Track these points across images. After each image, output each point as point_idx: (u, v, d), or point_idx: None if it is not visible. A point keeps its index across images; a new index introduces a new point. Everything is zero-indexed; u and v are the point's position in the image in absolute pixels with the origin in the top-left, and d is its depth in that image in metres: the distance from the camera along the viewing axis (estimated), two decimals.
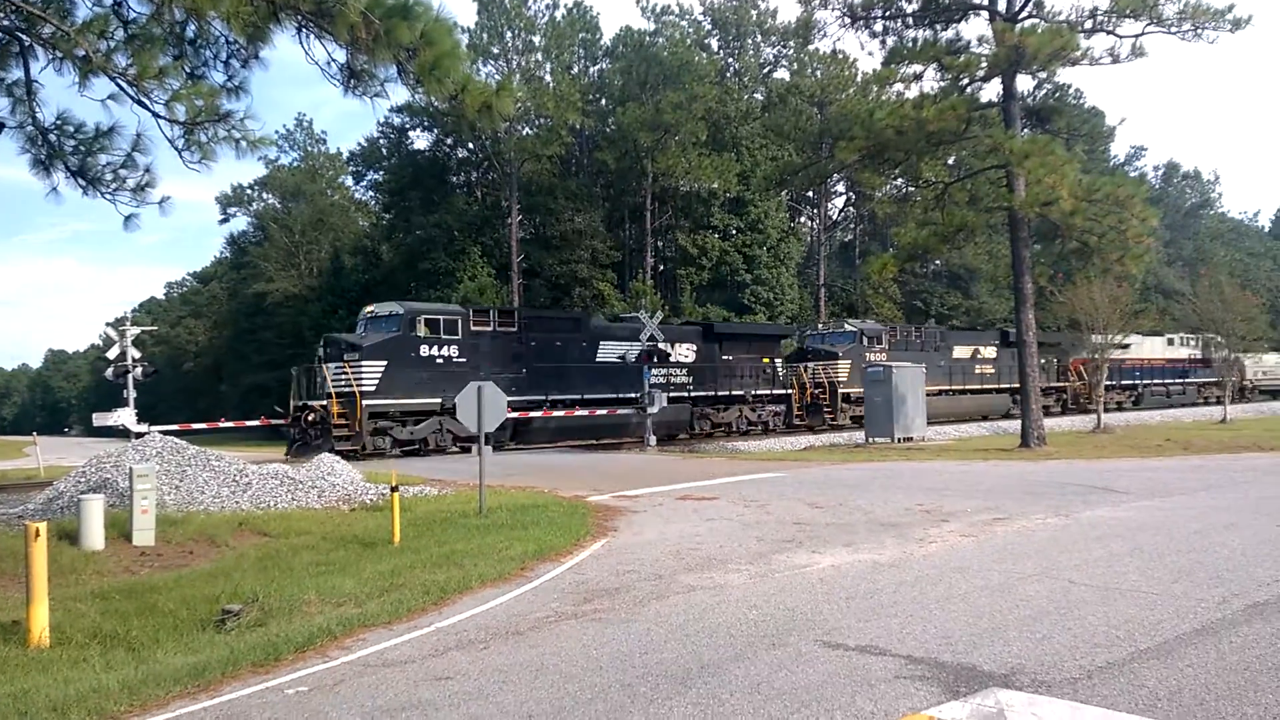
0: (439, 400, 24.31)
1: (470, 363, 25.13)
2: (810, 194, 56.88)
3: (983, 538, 10.36)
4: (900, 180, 50.83)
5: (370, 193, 60.62)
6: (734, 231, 50.20)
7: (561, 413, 27.40)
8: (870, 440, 27.85)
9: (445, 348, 25.07)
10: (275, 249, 60.22)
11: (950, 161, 47.62)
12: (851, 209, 61.58)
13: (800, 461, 21.99)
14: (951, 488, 15.42)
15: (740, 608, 7.28)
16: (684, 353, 31.00)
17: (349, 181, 63.54)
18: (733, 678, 5.52)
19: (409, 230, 51.24)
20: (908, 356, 33.92)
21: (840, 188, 58.43)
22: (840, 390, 33.63)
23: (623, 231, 53.43)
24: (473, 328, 25.92)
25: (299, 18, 7.52)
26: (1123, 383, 43.50)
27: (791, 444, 29.17)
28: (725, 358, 31.97)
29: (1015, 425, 29.96)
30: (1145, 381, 45.22)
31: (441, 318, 25.51)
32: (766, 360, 33.31)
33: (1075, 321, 33.55)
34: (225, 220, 67.15)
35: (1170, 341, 47.64)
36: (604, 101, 53.17)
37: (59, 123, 9.74)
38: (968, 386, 37.77)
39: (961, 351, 38.40)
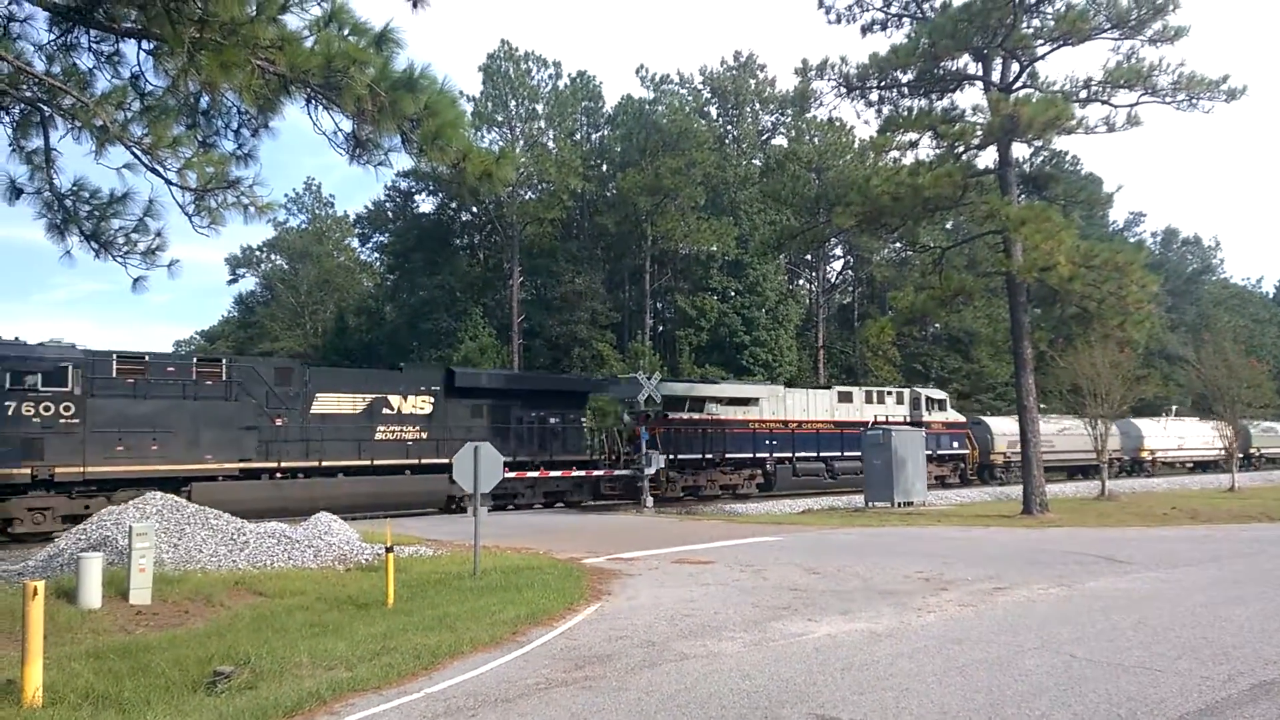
0: None
1: None
2: (809, 257, 57.48)
3: (983, 608, 10.27)
4: (898, 244, 51.49)
5: (375, 254, 61.36)
6: (733, 294, 50.63)
7: None
8: (870, 504, 27.68)
9: None
10: (281, 309, 60.84)
11: (948, 226, 48.26)
12: (850, 272, 62.14)
13: (799, 525, 21.85)
14: (952, 555, 15.30)
15: (733, 677, 7.21)
16: None
17: (355, 243, 64.36)
18: None
19: (412, 291, 51.78)
20: (149, 407, 20.61)
21: (838, 251, 59.07)
22: None
23: (622, 293, 53.90)
24: None
25: (308, 90, 7.78)
26: (731, 454, 30.72)
27: (790, 506, 28.99)
28: None
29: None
30: (786, 454, 32.00)
31: None
32: None
33: (1077, 388, 33.38)
34: (234, 281, 67.89)
35: (845, 398, 34.84)
36: (605, 166, 54.13)
37: (75, 189, 10.02)
38: (346, 462, 23.16)
39: (341, 404, 23.55)
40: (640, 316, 52.50)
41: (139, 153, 8.39)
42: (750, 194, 52.39)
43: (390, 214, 56.13)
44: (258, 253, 66.04)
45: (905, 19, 25.99)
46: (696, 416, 30.59)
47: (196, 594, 11.23)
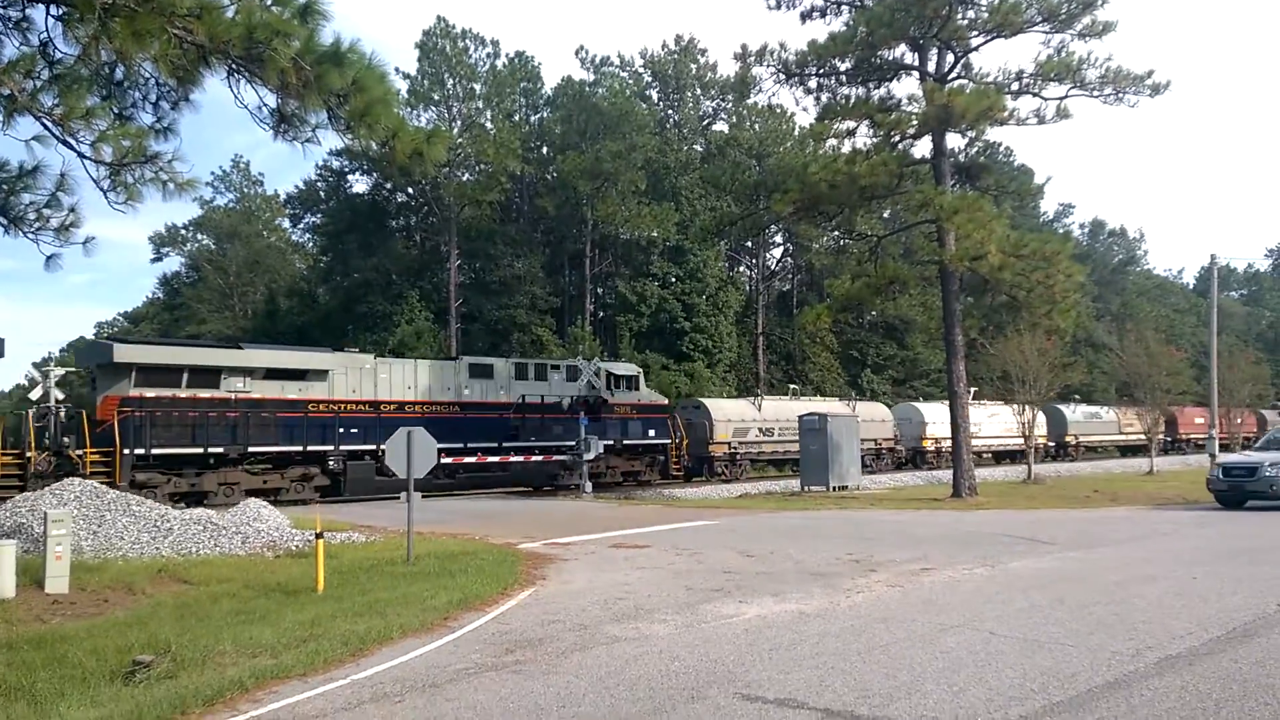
0: None
1: None
2: (749, 244, 57.88)
3: (909, 588, 10.50)
4: (836, 232, 52.11)
5: (307, 235, 59.99)
6: (673, 280, 50.77)
7: None
8: (805, 489, 28.09)
9: None
10: (209, 290, 59.08)
11: (884, 215, 49.02)
12: (790, 259, 62.75)
13: (736, 510, 22.07)
14: (882, 537, 15.62)
15: (663, 659, 7.25)
16: None
17: (286, 224, 62.84)
18: None
19: (346, 273, 50.80)
20: None
21: (778, 238, 59.60)
22: None
23: (562, 278, 53.65)
24: None
25: (229, 61, 7.51)
26: (261, 446, 23.16)
27: (728, 491, 29.27)
28: None
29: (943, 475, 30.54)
30: (368, 446, 24.25)
31: None
32: None
33: (1007, 375, 34.21)
34: (158, 260, 65.77)
35: (482, 372, 27.73)
36: (544, 149, 53.70)
37: None
38: None
39: None
40: (581, 301, 52.33)
41: (49, 124, 8.02)
42: (691, 179, 52.48)
43: (322, 194, 54.87)
44: (183, 232, 64.01)
45: (844, 6, 26.26)
46: (203, 394, 22.54)
47: (117, 582, 10.91)
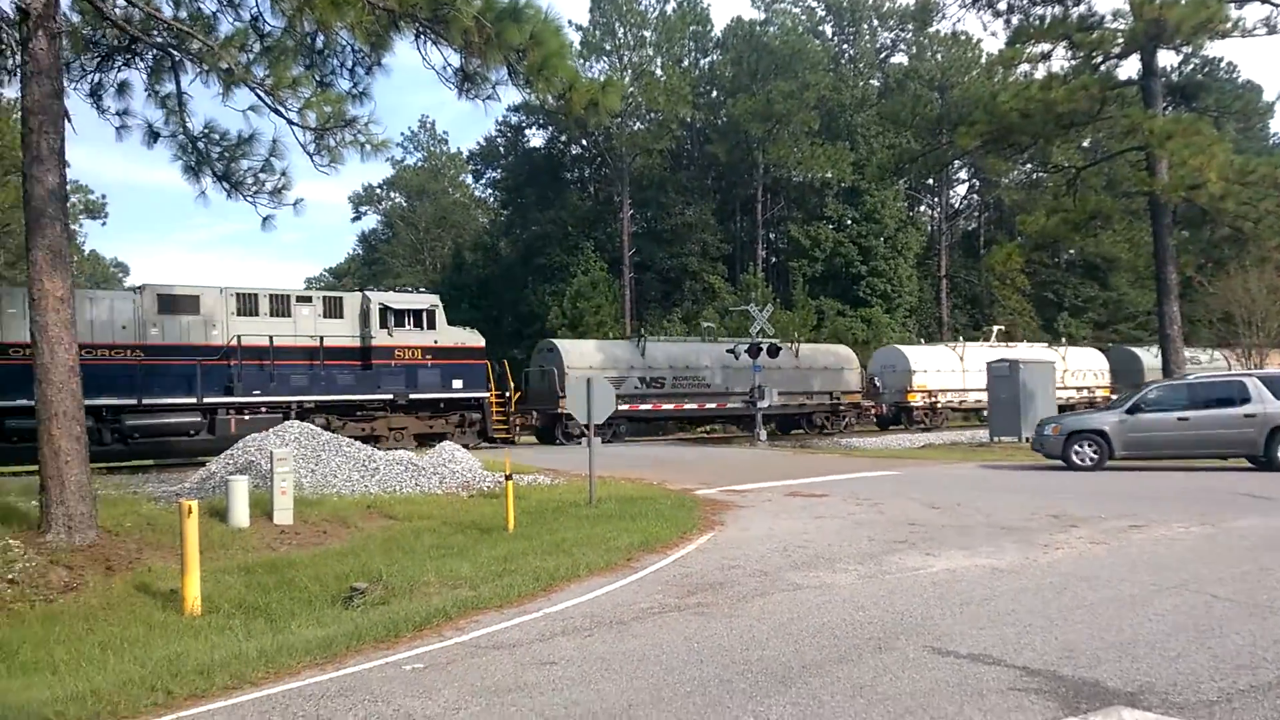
0: None
1: None
2: (930, 182, 55.17)
3: (1115, 546, 9.81)
4: (1028, 166, 48.77)
5: (489, 190, 62.38)
6: (849, 222, 49.20)
7: None
8: (994, 439, 26.82)
9: None
10: (402, 246, 62.90)
11: (1084, 144, 45.30)
12: (975, 196, 59.43)
13: (918, 460, 21.41)
14: (1083, 491, 14.67)
15: (847, 608, 7.15)
16: None
17: (469, 180, 65.59)
18: (835, 679, 5.43)
19: (525, 226, 52.50)
20: None
21: (963, 174, 56.46)
22: None
23: (733, 224, 53.19)
24: None
25: (417, 25, 7.83)
26: None
27: (909, 441, 28.43)
28: None
29: None
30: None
31: None
32: None
33: (1229, 316, 30.98)
34: (357, 219, 70.49)
35: (185, 306, 20.56)
36: (714, 93, 53.03)
37: (206, 131, 10.56)
38: None
39: None
40: (752, 248, 51.80)
41: (262, 94, 8.69)
42: (867, 117, 50.44)
43: (502, 149, 56.76)
44: (378, 191, 68.16)
45: None
46: None
47: (333, 516, 11.90)
